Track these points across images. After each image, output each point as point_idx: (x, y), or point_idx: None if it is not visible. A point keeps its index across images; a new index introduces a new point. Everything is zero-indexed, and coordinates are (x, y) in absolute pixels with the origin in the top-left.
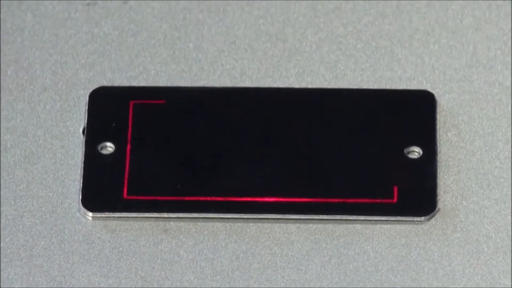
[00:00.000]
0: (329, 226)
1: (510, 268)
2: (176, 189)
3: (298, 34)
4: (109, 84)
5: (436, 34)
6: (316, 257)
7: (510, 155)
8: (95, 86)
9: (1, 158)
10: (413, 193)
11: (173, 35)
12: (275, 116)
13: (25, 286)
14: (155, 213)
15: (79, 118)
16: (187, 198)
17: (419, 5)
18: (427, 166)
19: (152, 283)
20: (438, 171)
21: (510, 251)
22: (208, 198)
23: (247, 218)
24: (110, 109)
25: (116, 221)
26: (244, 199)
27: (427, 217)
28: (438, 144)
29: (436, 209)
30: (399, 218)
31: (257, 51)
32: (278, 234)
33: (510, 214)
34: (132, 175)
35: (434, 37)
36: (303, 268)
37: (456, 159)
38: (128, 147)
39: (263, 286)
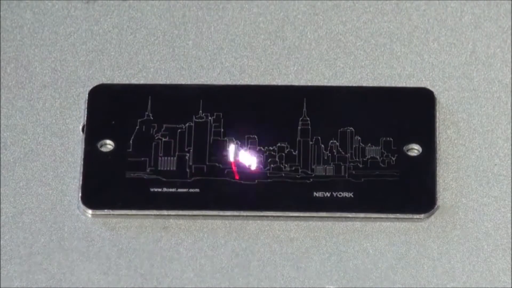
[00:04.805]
0: (329, 224)
1: (509, 266)
2: (175, 186)
3: (297, 32)
4: (109, 82)
5: (435, 32)
6: (316, 255)
7: (509, 153)
8: (95, 83)
9: (1, 156)
10: (412, 191)
11: (172, 33)
12: (274, 113)
13: (25, 283)
14: (154, 211)
15: (79, 116)
16: (186, 196)
17: (418, 3)
18: (427, 164)
19: (151, 280)
20: (438, 168)
21: (510, 248)
22: (208, 195)
23: (246, 216)
24: (110, 106)
25: (116, 219)
26: (243, 196)
27: (427, 214)
28: (438, 142)
29: (436, 206)
30: (398, 215)
31: (257, 49)
32: (277, 231)
33: (510, 212)
34: (131, 172)
35: (433, 35)
36: (303, 265)
37: (455, 157)
38: (128, 144)
39: (262, 283)
